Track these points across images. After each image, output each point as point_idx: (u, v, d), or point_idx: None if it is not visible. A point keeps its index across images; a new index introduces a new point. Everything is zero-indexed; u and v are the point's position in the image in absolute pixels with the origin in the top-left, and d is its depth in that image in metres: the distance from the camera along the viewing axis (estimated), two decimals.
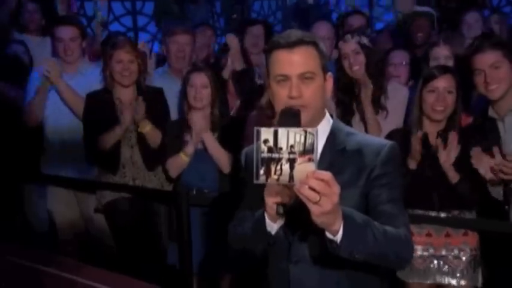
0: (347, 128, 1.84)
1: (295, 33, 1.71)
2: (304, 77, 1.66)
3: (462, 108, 2.91)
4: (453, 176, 2.77)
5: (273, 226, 1.64)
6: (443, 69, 2.92)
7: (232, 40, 4.15)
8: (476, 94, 3.04)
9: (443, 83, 2.82)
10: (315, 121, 1.71)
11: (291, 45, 1.67)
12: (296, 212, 1.65)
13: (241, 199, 1.86)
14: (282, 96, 1.67)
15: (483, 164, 2.68)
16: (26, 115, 3.73)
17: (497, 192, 2.81)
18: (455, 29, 4.21)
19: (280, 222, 1.63)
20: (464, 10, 4.37)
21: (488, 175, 2.69)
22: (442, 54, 3.28)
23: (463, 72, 2.97)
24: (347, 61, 3.19)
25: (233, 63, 3.97)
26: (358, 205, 1.67)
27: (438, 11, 4.71)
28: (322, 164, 1.66)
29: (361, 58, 3.17)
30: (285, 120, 1.58)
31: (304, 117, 1.62)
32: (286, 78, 1.66)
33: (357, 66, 3.16)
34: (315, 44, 1.71)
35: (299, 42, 1.67)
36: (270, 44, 1.74)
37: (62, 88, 3.63)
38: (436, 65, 3.15)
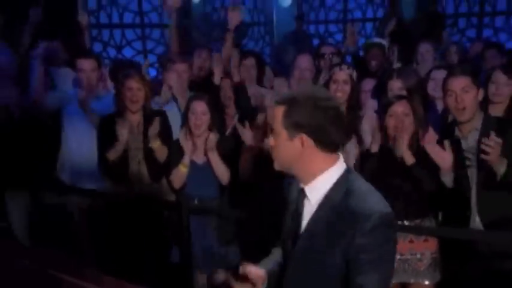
0: (348, 184, 1.79)
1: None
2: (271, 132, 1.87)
3: (423, 127, 3.13)
4: (408, 159, 3.03)
5: None
6: (399, 96, 3.25)
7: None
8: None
9: (400, 108, 3.12)
10: (301, 176, 1.83)
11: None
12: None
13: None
14: None
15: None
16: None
17: (448, 180, 3.04)
18: (409, 62, 4.61)
19: None
20: (419, 41, 4.78)
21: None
22: (396, 86, 3.61)
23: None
24: (335, 86, 3.56)
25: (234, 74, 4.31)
26: (339, 267, 1.75)
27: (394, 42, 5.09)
28: (319, 221, 1.78)
29: (347, 88, 3.55)
30: None
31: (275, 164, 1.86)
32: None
33: (341, 94, 3.52)
34: (286, 105, 1.79)
35: (276, 102, 1.85)
36: None
37: None
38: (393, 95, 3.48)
